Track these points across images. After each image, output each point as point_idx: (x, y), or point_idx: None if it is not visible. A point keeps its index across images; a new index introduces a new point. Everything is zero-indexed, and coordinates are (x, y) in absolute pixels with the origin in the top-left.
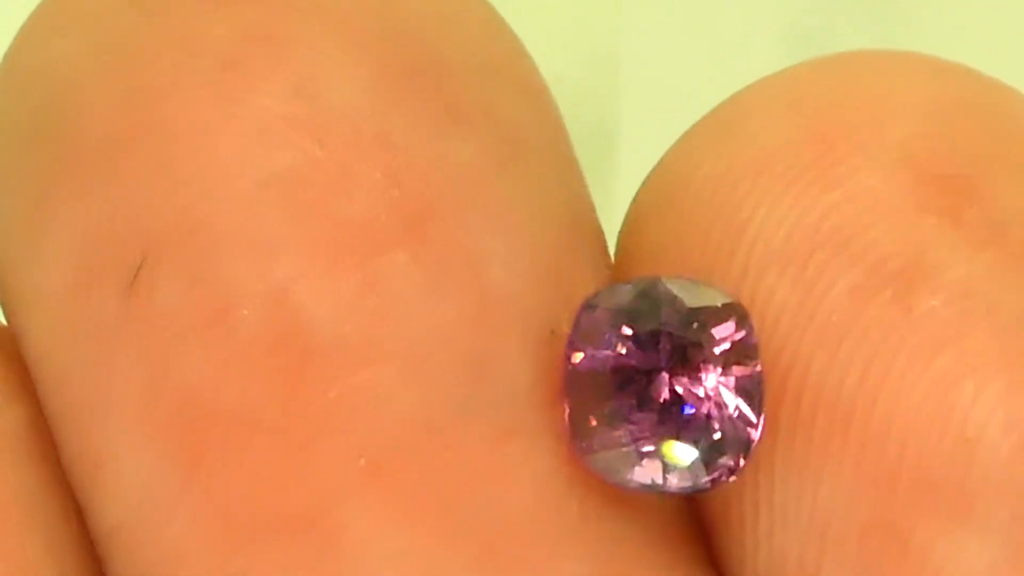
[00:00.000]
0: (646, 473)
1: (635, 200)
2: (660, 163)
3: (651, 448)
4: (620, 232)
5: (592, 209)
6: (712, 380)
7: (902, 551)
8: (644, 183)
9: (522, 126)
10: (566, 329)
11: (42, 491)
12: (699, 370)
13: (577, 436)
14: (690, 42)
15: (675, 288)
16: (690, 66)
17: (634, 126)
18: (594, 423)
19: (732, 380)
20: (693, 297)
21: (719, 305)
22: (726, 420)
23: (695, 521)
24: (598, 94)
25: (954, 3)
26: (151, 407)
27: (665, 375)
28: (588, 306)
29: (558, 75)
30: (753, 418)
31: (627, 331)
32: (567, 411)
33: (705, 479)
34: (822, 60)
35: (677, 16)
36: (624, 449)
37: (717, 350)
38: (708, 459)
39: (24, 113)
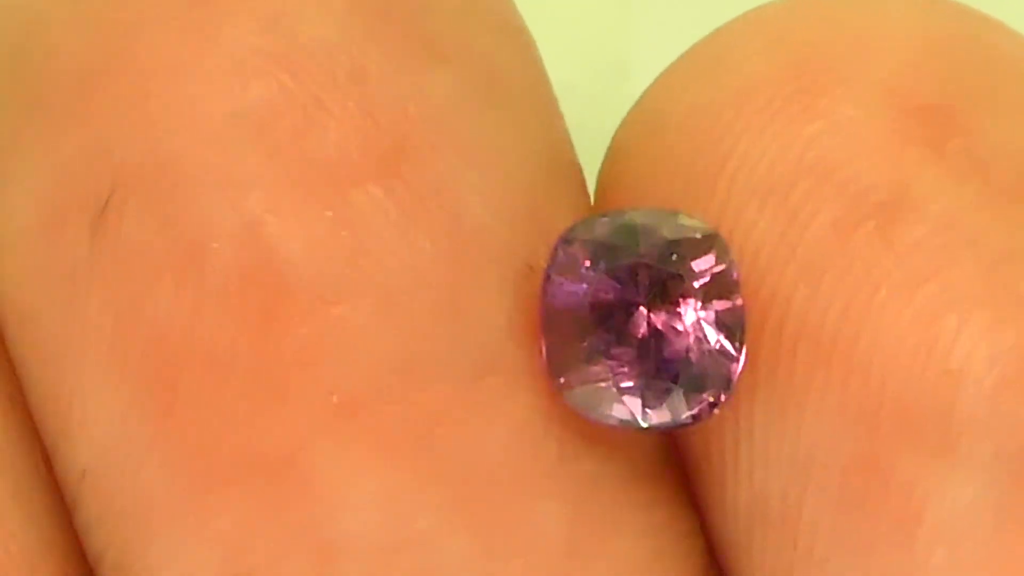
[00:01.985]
0: (625, 409)
1: (616, 134)
2: (642, 97)
3: (630, 384)
4: (601, 165)
5: (571, 148)
6: (692, 314)
7: (885, 486)
8: (626, 117)
9: (500, 64)
10: (543, 264)
11: (7, 435)
12: (678, 304)
13: (555, 372)
14: None
15: (653, 220)
16: None
17: None
18: (572, 358)
19: (712, 314)
20: (672, 229)
21: (699, 236)
22: (706, 355)
23: (676, 459)
24: (607, 103)
25: None
26: (121, 348)
27: (643, 310)
28: (565, 240)
29: (566, 84)
30: (734, 353)
31: (604, 264)
32: (544, 347)
33: (685, 414)
34: None
35: (686, 25)
36: (603, 384)
37: (697, 283)
38: (688, 394)
39: None
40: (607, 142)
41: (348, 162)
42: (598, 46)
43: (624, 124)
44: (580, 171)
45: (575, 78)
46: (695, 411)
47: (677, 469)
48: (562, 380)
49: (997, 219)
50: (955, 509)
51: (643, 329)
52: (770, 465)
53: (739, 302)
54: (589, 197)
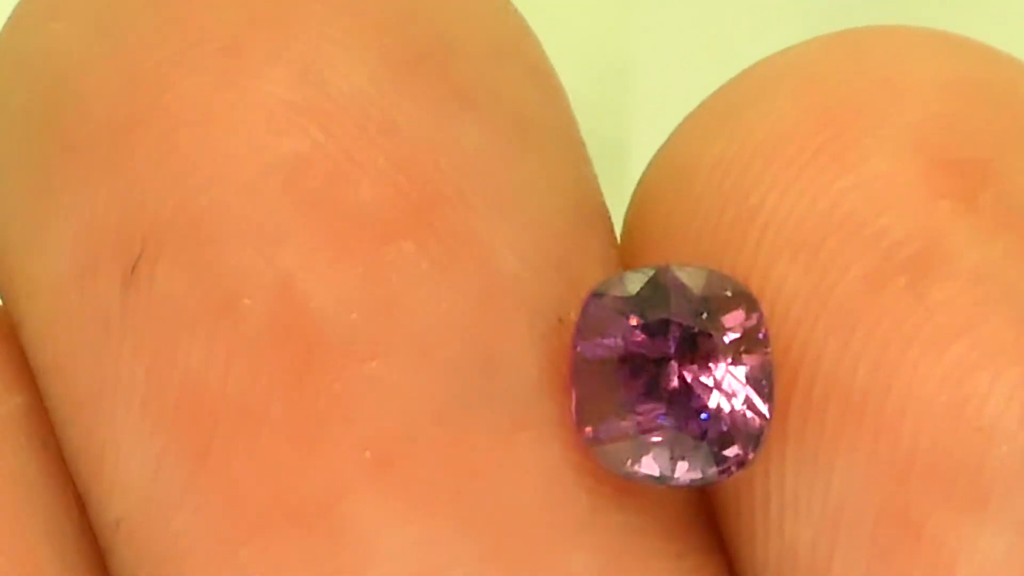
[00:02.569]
0: (654, 464)
1: (642, 180)
2: (668, 143)
3: (659, 439)
4: (627, 213)
5: (599, 193)
6: (722, 370)
7: (915, 540)
8: (651, 163)
9: (530, 110)
10: (574, 317)
11: (42, 479)
12: (709, 359)
13: (584, 426)
14: (702, 57)
15: (684, 276)
16: (702, 81)
17: (645, 141)
18: (601, 412)
19: (742, 369)
20: (703, 285)
21: (729, 294)
22: (736, 411)
23: (707, 509)
24: (609, 109)
25: None
26: (155, 399)
27: (674, 364)
28: (596, 294)
29: (569, 90)
30: (763, 408)
31: (636, 320)
32: (575, 401)
33: (714, 470)
34: (833, 36)
35: (688, 30)
36: (632, 440)
37: (727, 339)
38: (717, 450)
39: (22, 99)
40: (610, 149)
41: (380, 217)
42: (599, 51)
43: (651, 168)
44: (608, 216)
45: (576, 83)
46: (723, 467)
47: (708, 519)
48: (591, 434)
49: None
50: (986, 564)
51: (674, 383)
52: (800, 518)
53: (769, 357)
54: (616, 240)
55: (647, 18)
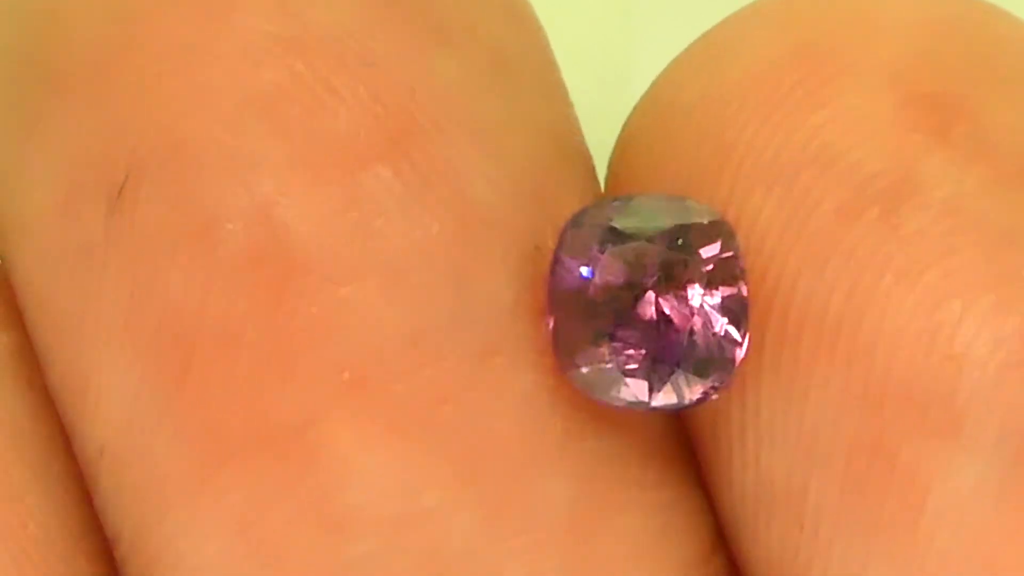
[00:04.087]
0: (630, 390)
1: (626, 123)
2: (651, 86)
3: (635, 366)
4: (611, 156)
5: (579, 132)
6: (698, 299)
7: (889, 469)
8: (636, 107)
9: (507, 47)
10: (551, 245)
11: (28, 418)
12: (685, 289)
13: (561, 353)
14: None
15: (661, 205)
16: None
17: None
18: (578, 339)
19: (718, 299)
20: (680, 214)
21: (706, 223)
22: (711, 339)
23: (684, 442)
24: (610, 114)
25: None
26: (135, 326)
27: (651, 293)
28: (573, 222)
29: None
30: (738, 337)
31: (612, 248)
32: (551, 327)
33: (689, 396)
34: None
35: (688, 36)
36: (608, 366)
37: (703, 269)
38: (692, 376)
39: (6, 36)
40: (610, 151)
41: (357, 144)
42: (600, 56)
43: (633, 114)
44: (588, 156)
45: (577, 88)
46: (699, 394)
47: (685, 449)
48: (568, 360)
49: (1002, 204)
50: (958, 491)
51: (650, 312)
52: (776, 447)
53: (744, 288)
54: (598, 182)
55: (648, 24)
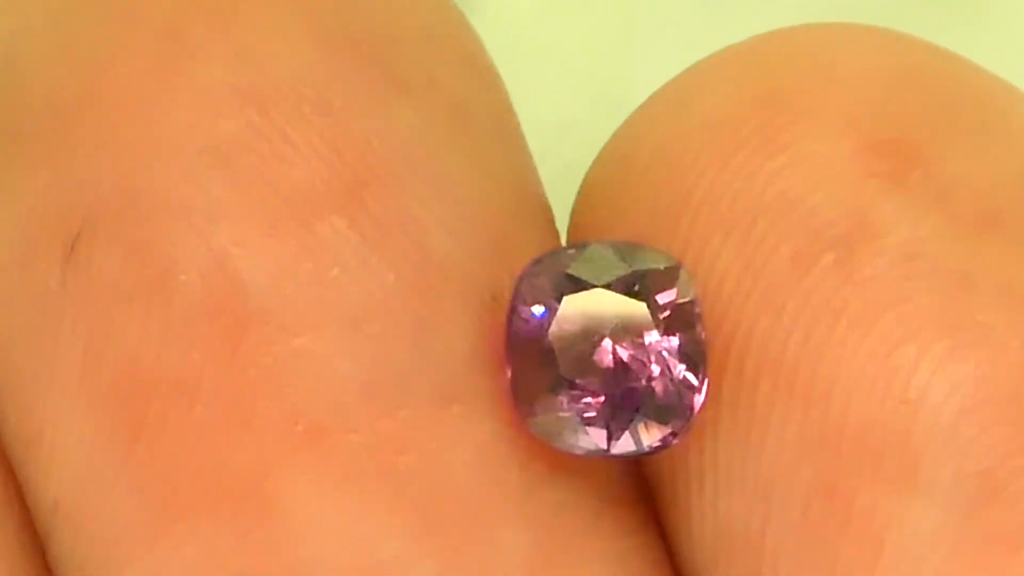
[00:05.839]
0: (589, 438)
1: (588, 172)
2: (611, 139)
3: (594, 414)
4: (574, 205)
5: (537, 182)
6: (655, 345)
7: (846, 514)
8: (597, 156)
9: (465, 96)
10: (508, 295)
11: None
12: (642, 335)
13: (520, 401)
14: None
15: (617, 252)
16: None
17: None
18: (536, 388)
19: (676, 345)
20: (636, 260)
21: (662, 268)
22: (670, 385)
23: (643, 489)
24: (610, 135)
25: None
26: (90, 377)
27: (608, 340)
28: (530, 271)
29: (569, 119)
30: (696, 383)
31: (569, 296)
32: (509, 376)
33: (647, 444)
34: (772, 32)
35: (689, 59)
36: (567, 414)
37: (660, 315)
38: (651, 424)
39: None
40: None
41: (313, 195)
42: (600, 81)
43: (595, 163)
44: (547, 205)
45: (576, 115)
46: (658, 440)
47: (644, 497)
48: (526, 409)
49: (957, 250)
50: (915, 536)
51: (607, 360)
52: (734, 494)
53: (702, 334)
54: (557, 231)
55: (648, 44)
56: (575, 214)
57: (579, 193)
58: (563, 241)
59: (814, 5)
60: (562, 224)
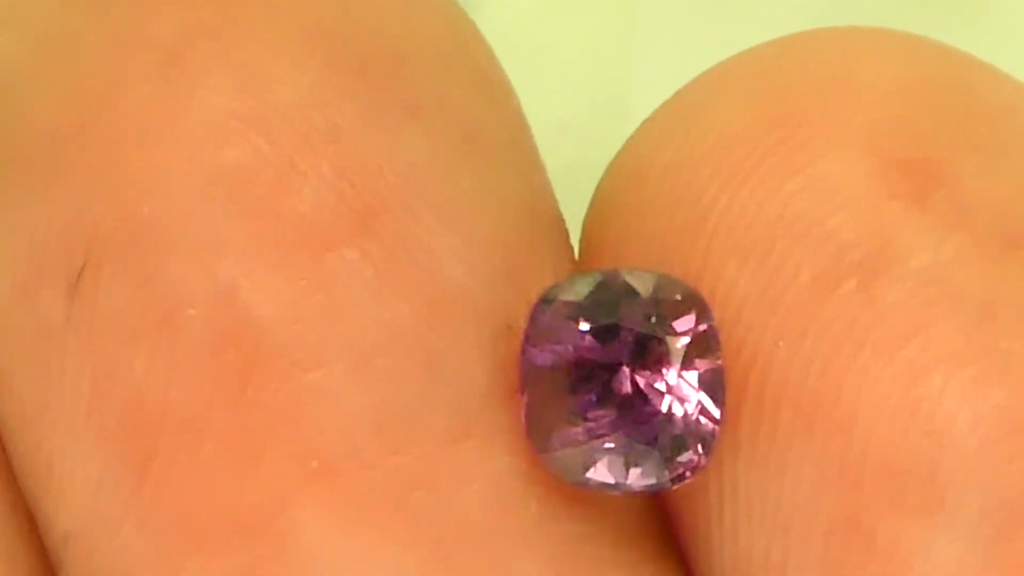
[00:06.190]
0: (607, 471)
1: (598, 190)
2: (623, 151)
3: (611, 445)
4: (584, 222)
5: (554, 203)
6: (673, 374)
7: (868, 547)
8: (607, 172)
9: (478, 118)
10: (523, 324)
11: None
12: (660, 364)
13: (535, 433)
14: None
15: (634, 280)
16: None
17: None
18: (552, 420)
19: (694, 374)
20: (652, 289)
21: (679, 298)
22: (688, 415)
23: (661, 517)
24: (609, 139)
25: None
26: (99, 412)
27: (626, 370)
28: (545, 300)
29: (567, 121)
30: (715, 412)
31: (585, 325)
32: (524, 408)
33: (667, 476)
34: (784, 39)
35: (688, 61)
36: (583, 447)
37: (678, 344)
38: (669, 456)
39: None
40: None
41: (322, 226)
42: (599, 83)
43: (606, 177)
44: (563, 226)
45: (576, 115)
46: (676, 473)
47: (663, 527)
48: (541, 442)
49: (981, 272)
50: (940, 569)
51: (625, 389)
52: (754, 525)
53: (720, 362)
54: (572, 251)
55: (647, 50)
56: (586, 230)
57: (590, 207)
58: (576, 253)
59: (814, 5)
60: (565, 225)
